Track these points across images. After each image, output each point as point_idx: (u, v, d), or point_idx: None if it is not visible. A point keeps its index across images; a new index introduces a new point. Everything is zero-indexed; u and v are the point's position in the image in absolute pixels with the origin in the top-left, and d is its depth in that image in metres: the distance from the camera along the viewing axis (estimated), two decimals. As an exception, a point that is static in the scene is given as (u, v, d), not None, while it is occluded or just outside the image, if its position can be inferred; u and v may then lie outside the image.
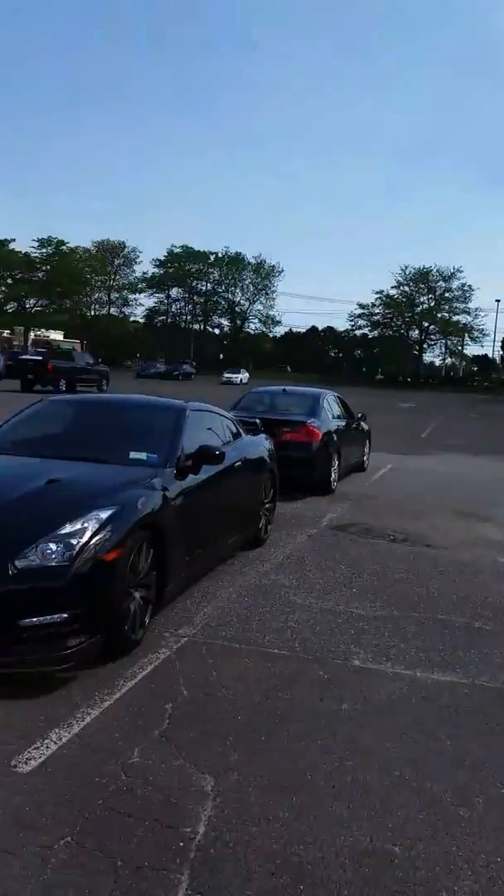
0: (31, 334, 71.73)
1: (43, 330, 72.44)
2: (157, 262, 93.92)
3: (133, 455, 4.92)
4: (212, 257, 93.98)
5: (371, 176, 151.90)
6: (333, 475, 10.20)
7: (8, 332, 73.72)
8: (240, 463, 6.10)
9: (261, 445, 7.07)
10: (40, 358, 29.22)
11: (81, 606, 3.60)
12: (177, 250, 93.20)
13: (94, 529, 3.77)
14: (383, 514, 8.96)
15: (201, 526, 5.15)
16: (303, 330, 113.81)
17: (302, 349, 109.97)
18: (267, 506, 6.95)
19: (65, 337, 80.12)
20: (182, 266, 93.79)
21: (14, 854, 2.38)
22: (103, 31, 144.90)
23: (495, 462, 16.21)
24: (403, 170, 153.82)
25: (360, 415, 12.43)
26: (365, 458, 12.92)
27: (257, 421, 8.14)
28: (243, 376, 59.89)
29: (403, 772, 3.05)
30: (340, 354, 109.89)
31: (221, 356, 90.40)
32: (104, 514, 3.87)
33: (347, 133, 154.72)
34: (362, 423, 12.53)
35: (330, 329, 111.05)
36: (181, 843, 2.49)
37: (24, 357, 31.87)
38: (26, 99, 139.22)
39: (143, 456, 4.92)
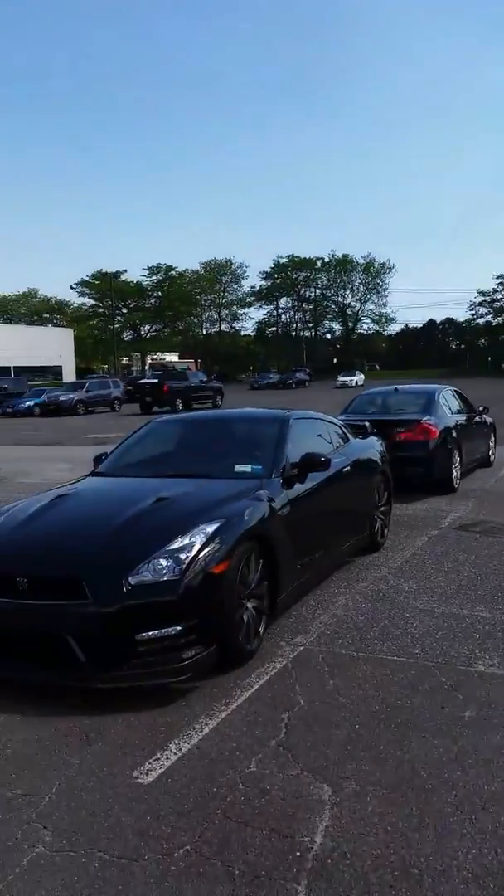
0: (148, 358, 74.89)
1: (158, 353, 75.50)
2: (265, 275, 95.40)
3: (238, 468, 5.03)
4: (318, 263, 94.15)
5: (477, 157, 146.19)
6: (455, 473, 9.87)
7: (126, 358, 77.41)
8: (349, 467, 6.06)
9: (371, 448, 6.98)
10: (156, 381, 30.53)
11: (194, 618, 3.72)
12: (283, 260, 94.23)
13: (201, 543, 3.89)
14: (511, 510, 8.55)
15: (311, 533, 5.16)
16: (420, 325, 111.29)
17: (421, 344, 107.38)
18: (382, 509, 6.84)
19: (179, 357, 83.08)
20: (289, 275, 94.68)
21: (137, 862, 2.49)
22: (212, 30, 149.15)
23: None
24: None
25: (481, 408, 11.96)
26: (491, 452, 12.40)
27: (366, 423, 8.06)
28: (358, 378, 59.33)
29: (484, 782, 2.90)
30: (463, 346, 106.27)
31: (335, 360, 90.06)
32: (211, 528, 3.99)
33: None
34: (485, 417, 12.05)
35: (450, 320, 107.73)
36: (298, 853, 2.51)
37: (141, 381, 33.41)
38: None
39: (247, 468, 5.02)
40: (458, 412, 11.00)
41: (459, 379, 61.82)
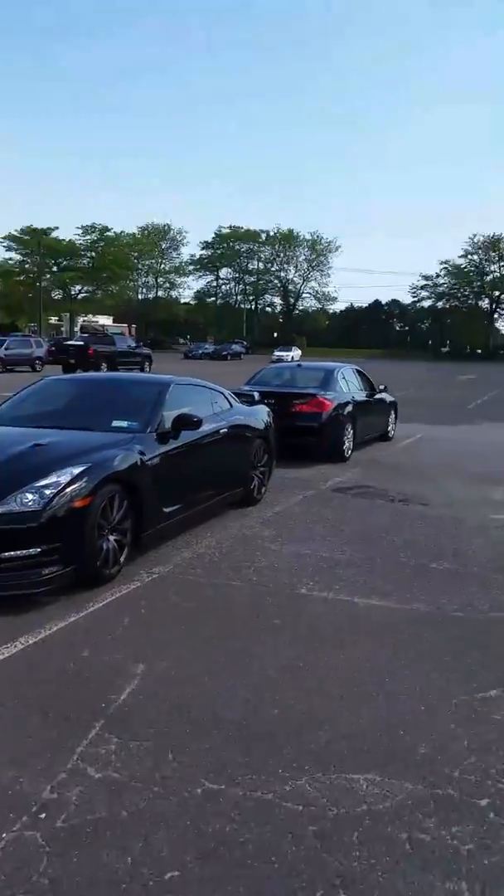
0: (80, 320, 74.00)
1: (90, 315, 74.69)
2: (205, 244, 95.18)
3: (115, 423, 5.78)
4: (263, 236, 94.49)
5: (433, 141, 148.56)
6: (347, 444, 10.86)
7: (55, 318, 76.25)
8: (226, 430, 6.88)
9: (254, 415, 7.82)
10: (82, 343, 30.66)
11: (55, 543, 4.48)
12: (225, 230, 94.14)
13: (67, 481, 4.64)
14: (393, 478, 9.57)
15: (181, 483, 5.95)
16: (365, 305, 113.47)
17: (365, 324, 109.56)
18: (261, 469, 7.70)
19: (114, 321, 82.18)
20: (231, 246, 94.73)
21: (-26, 708, 3.26)
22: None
23: (535, 429, 16.45)
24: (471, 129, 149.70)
25: (381, 386, 13.01)
26: (390, 427, 13.47)
27: (254, 394, 8.91)
28: (294, 354, 60.43)
29: (304, 666, 3.80)
30: (406, 328, 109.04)
31: (275, 335, 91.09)
32: (77, 470, 4.74)
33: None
34: (384, 395, 13.09)
35: (395, 302, 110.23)
36: (103, 705, 3.32)
37: (67, 343, 33.46)
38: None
39: (124, 423, 5.77)
40: (359, 389, 12.00)
41: (399, 360, 64.08)
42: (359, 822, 2.56)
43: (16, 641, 3.99)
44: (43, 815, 2.56)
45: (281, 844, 2.44)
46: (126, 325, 74.03)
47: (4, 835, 2.45)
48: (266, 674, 3.69)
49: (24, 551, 4.40)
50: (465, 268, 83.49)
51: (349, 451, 10.92)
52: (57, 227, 78.78)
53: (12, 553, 4.38)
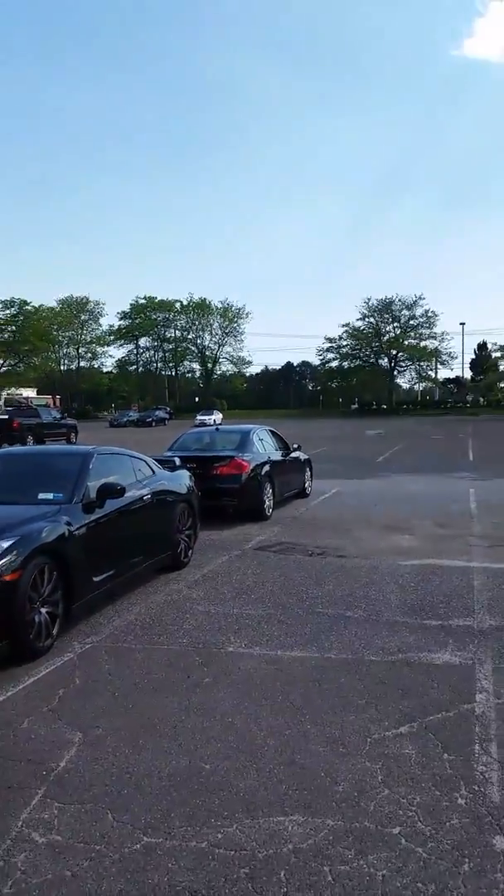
0: (4, 394, 72.78)
1: (14, 388, 73.68)
2: (123, 315, 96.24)
3: (41, 496, 5.88)
4: (178, 305, 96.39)
5: (331, 214, 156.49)
6: (267, 502, 11.17)
7: (-21, 393, 74.72)
8: (149, 496, 7.06)
9: (177, 480, 8.04)
10: (6, 417, 30.19)
11: (-14, 619, 4.51)
12: (141, 301, 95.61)
13: None
14: (311, 533, 9.90)
15: (109, 551, 6.07)
16: (279, 367, 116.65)
17: (280, 385, 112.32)
18: (186, 533, 7.88)
19: (38, 393, 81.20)
20: (148, 316, 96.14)
21: None
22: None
23: (440, 478, 17.27)
24: (364, 205, 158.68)
25: (295, 445, 13.46)
26: (306, 484, 13.90)
27: (175, 459, 9.13)
28: (216, 417, 61.12)
29: (234, 719, 3.96)
30: (319, 387, 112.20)
31: (196, 399, 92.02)
32: (6, 544, 4.81)
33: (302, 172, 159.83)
34: (299, 454, 13.55)
35: (305, 363, 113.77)
36: (44, 772, 3.38)
37: (-9, 417, 32.80)
38: None
39: (50, 496, 5.88)
40: (274, 449, 12.41)
41: (312, 419, 65.77)
42: (286, 861, 2.72)
43: (-46, 720, 3.99)
44: (-10, 885, 2.61)
45: (215, 888, 2.57)
46: (50, 396, 73.31)
47: (-47, 908, 2.49)
48: (197, 730, 3.83)
49: None
50: (363, 329, 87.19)
51: (270, 510, 11.22)
52: (-26, 303, 78.04)
53: None
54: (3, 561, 4.70)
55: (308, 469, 14.02)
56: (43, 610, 5.03)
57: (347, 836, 2.87)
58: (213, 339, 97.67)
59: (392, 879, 2.60)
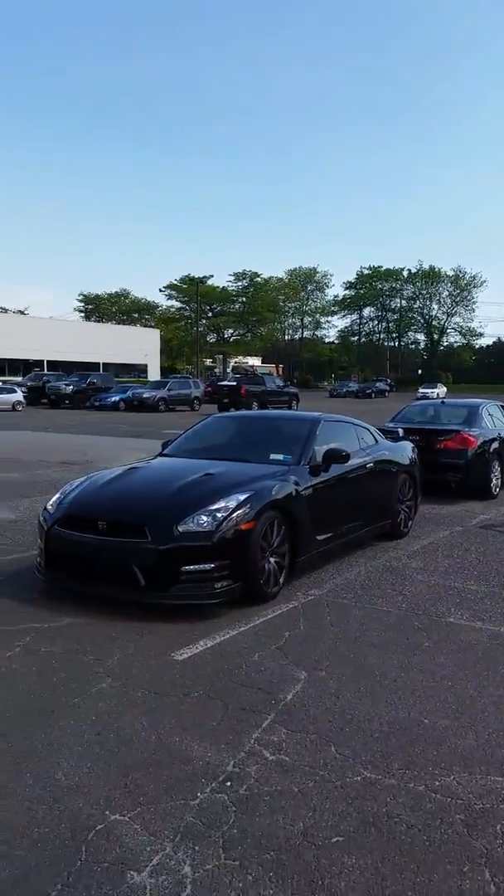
0: (232, 361, 77.10)
1: (241, 357, 77.69)
2: (348, 284, 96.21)
3: (273, 456, 6.32)
4: (405, 273, 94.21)
5: None
6: (494, 480, 10.78)
7: (210, 360, 79.91)
8: (372, 464, 7.23)
9: (399, 451, 8.11)
10: (235, 384, 32.14)
11: (225, 560, 5.03)
12: (367, 271, 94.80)
13: (234, 506, 5.20)
14: (541, 516, 9.41)
15: (331, 513, 6.36)
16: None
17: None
18: (407, 503, 7.95)
19: (262, 362, 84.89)
20: (373, 286, 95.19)
21: (167, 696, 3.82)
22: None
23: None
24: None
25: (530, 423, 12.72)
26: (540, 465, 13.10)
27: (399, 430, 9.14)
28: (440, 391, 59.31)
29: (454, 682, 4.05)
30: None
31: (419, 371, 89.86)
32: (243, 497, 5.29)
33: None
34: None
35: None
36: (273, 702, 3.76)
37: (221, 384, 35.15)
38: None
39: (280, 457, 6.30)
40: (504, 425, 11.85)
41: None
42: (502, 816, 2.80)
43: (197, 643, 4.55)
44: (229, 784, 3.02)
45: (431, 826, 2.74)
46: (273, 365, 76.19)
47: (200, 794, 2.94)
48: (417, 688, 3.98)
49: (201, 566, 4.98)
50: None
51: (497, 489, 10.82)
52: (212, 276, 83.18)
53: (192, 567, 4.97)
54: (239, 512, 5.18)
55: (542, 449, 13.19)
56: (272, 559, 5.46)
57: None
58: (442, 308, 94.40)
59: None
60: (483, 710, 3.73)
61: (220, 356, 77.68)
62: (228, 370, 69.47)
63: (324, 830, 2.72)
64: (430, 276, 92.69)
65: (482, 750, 3.32)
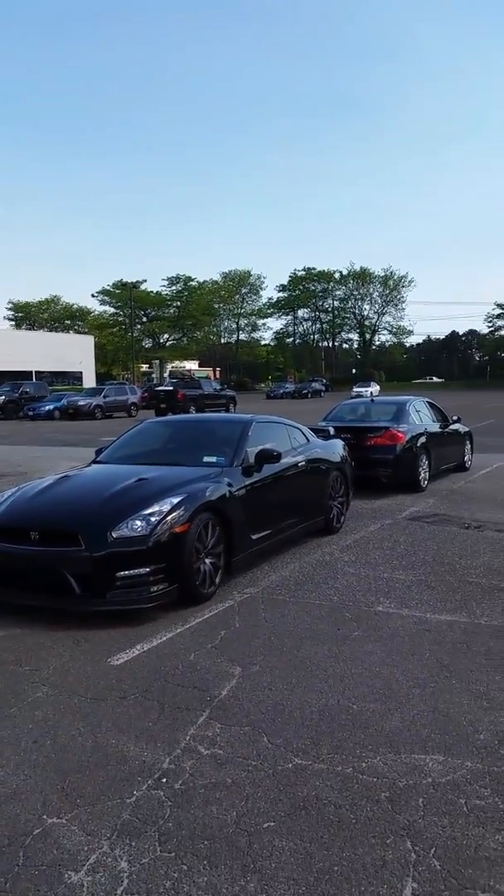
0: (168, 366, 76.83)
1: (178, 361, 77.53)
2: (281, 287, 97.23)
3: (205, 458, 6.42)
4: (337, 275, 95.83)
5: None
6: (423, 474, 11.15)
7: (146, 365, 79.42)
8: (304, 463, 7.40)
9: (331, 449, 8.32)
10: (171, 389, 32.10)
11: (160, 563, 5.09)
12: (300, 273, 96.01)
13: (168, 510, 5.26)
14: (468, 506, 9.79)
15: (265, 512, 6.50)
16: (442, 336, 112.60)
17: (443, 356, 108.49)
18: (339, 499, 8.15)
19: (200, 366, 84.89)
20: (306, 287, 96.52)
21: (103, 701, 3.86)
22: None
23: None
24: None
25: (455, 417, 13.20)
26: (466, 458, 13.59)
27: (329, 428, 9.39)
28: (374, 389, 60.49)
29: (382, 669, 4.22)
30: (486, 357, 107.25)
31: (353, 371, 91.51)
32: (176, 500, 5.36)
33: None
34: (458, 426, 13.28)
35: (472, 332, 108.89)
36: (208, 698, 3.85)
37: (158, 388, 35.05)
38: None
39: (213, 459, 6.40)
40: (432, 420, 12.28)
41: (479, 391, 63.24)
42: (424, 791, 2.97)
43: (134, 647, 4.60)
44: (164, 780, 3.09)
45: (358, 806, 2.88)
46: (211, 368, 76.26)
47: (136, 792, 3.00)
48: (346, 675, 4.14)
49: (136, 571, 5.03)
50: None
51: (425, 482, 11.19)
52: (145, 280, 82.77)
53: (127, 572, 5.01)
54: (173, 515, 5.25)
55: (468, 442, 13.70)
56: (207, 560, 5.55)
57: (484, 776, 3.06)
58: (373, 308, 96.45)
59: (528, 820, 2.77)
60: (408, 692, 3.91)
61: (157, 361, 77.20)
62: (165, 375, 69.19)
63: (256, 817, 2.82)
64: (362, 277, 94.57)
65: (407, 731, 3.49)
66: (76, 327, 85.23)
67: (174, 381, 39.90)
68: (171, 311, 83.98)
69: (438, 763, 3.17)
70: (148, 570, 5.05)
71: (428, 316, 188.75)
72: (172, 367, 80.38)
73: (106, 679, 4.15)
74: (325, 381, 75.12)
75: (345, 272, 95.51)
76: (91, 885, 2.46)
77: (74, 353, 59.70)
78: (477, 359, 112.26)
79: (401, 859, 2.57)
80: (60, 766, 3.23)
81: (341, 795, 2.95)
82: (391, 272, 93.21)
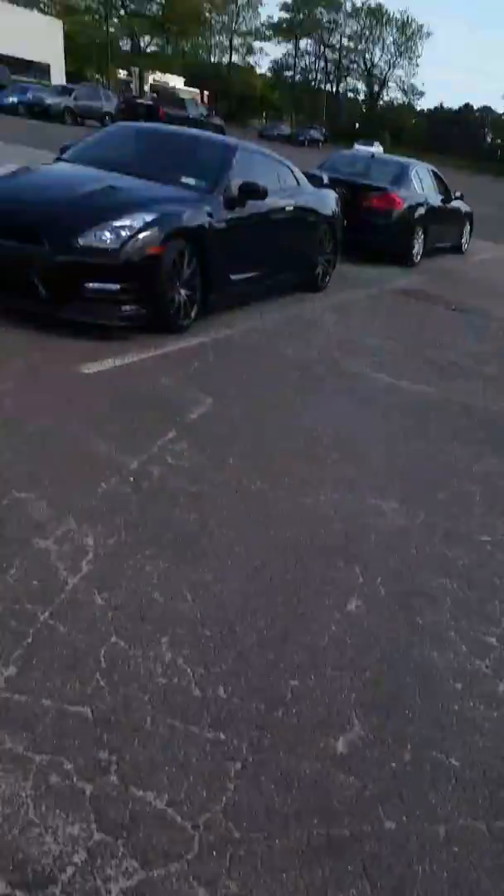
0: (150, 78, 69.01)
1: (159, 73, 69.52)
2: (284, 5, 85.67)
3: (184, 179, 5.92)
4: (348, 5, 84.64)
5: None
6: (416, 248, 10.83)
7: (125, 72, 71.02)
8: (293, 209, 7.00)
9: (323, 199, 7.84)
10: (152, 104, 29.16)
11: (132, 282, 4.91)
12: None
13: (139, 226, 4.94)
14: (457, 289, 9.71)
15: (246, 253, 6.20)
16: (455, 108, 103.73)
17: (454, 130, 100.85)
18: (326, 256, 7.90)
19: (186, 85, 76.46)
20: (312, 14, 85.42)
21: (72, 401, 3.95)
22: None
23: None
24: None
25: (458, 193, 12.54)
26: (464, 239, 13.21)
27: (323, 176, 8.75)
28: (377, 150, 56.44)
29: (349, 422, 4.43)
30: (499, 141, 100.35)
31: (357, 125, 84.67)
32: (149, 217, 5.02)
33: None
34: (461, 203, 12.67)
35: (486, 109, 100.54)
36: (178, 419, 3.99)
37: (137, 101, 31.81)
38: None
39: (192, 181, 5.90)
40: (434, 192, 11.64)
41: (487, 175, 59.81)
42: (378, 530, 3.26)
43: (105, 360, 4.63)
44: (132, 479, 3.29)
45: (317, 536, 3.15)
46: (198, 90, 68.85)
47: (104, 484, 3.19)
48: (315, 421, 4.32)
49: (105, 285, 4.84)
50: None
51: (418, 256, 10.91)
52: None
53: (95, 285, 4.82)
54: (146, 234, 4.93)
55: (468, 223, 13.24)
56: (182, 291, 5.35)
57: (438, 530, 3.36)
58: (385, 56, 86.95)
59: (472, 568, 3.11)
60: (366, 449, 4.15)
61: (136, 69, 68.97)
62: (146, 88, 62.46)
63: (218, 524, 3.06)
64: (375, 16, 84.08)
65: (363, 477, 3.75)
66: (41, 5, 73.83)
67: (155, 96, 36.07)
68: (154, 7, 73.37)
69: (394, 511, 3.46)
70: (118, 287, 4.88)
71: (444, 79, 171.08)
72: (154, 81, 72.28)
73: (77, 384, 4.22)
74: (324, 130, 69.42)
75: (357, 4, 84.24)
76: (58, 553, 2.69)
77: (39, 38, 52.41)
78: (489, 140, 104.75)
79: (348, 580, 2.87)
80: (31, 452, 3.37)
81: (300, 524, 3.21)
82: (410, 18, 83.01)
